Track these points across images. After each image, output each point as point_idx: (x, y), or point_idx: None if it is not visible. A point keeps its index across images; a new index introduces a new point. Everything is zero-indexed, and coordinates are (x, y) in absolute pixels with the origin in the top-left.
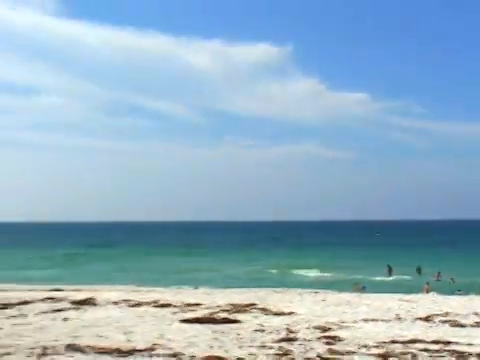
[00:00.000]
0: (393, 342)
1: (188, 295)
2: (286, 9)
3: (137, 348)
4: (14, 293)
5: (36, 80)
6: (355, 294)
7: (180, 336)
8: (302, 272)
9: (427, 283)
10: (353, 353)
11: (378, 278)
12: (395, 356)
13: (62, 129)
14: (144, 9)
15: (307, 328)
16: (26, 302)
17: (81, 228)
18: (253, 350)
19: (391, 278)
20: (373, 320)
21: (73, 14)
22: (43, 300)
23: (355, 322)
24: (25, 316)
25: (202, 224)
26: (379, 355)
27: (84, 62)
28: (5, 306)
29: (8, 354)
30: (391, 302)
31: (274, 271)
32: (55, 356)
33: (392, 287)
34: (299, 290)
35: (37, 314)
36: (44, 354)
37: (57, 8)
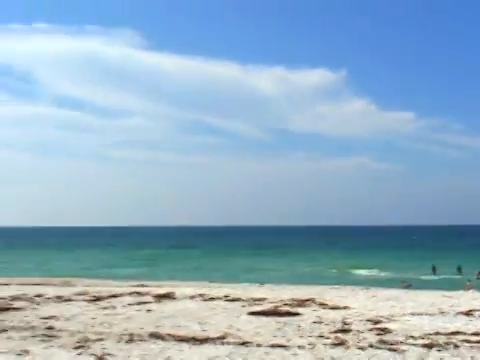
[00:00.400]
0: (437, 334)
1: (255, 291)
2: (340, 38)
3: (210, 336)
4: (105, 288)
5: (124, 104)
6: (403, 291)
7: (248, 326)
8: (356, 271)
9: (469, 281)
10: (401, 343)
11: (423, 277)
12: (439, 346)
13: (145, 145)
14: (216, 41)
15: (360, 321)
16: (115, 296)
17: (160, 232)
18: (312, 340)
19: (435, 277)
20: (419, 314)
21: (155, 47)
22: (130, 294)
23: (403, 316)
24: (114, 308)
25: (266, 228)
26: (424, 345)
27: (164, 88)
28: (98, 299)
29: (101, 340)
30: (435, 298)
31: (334, 270)
32: (140, 342)
33: (436, 284)
34: (353, 287)
35: (124, 306)
36: (131, 340)
37: (142, 42)
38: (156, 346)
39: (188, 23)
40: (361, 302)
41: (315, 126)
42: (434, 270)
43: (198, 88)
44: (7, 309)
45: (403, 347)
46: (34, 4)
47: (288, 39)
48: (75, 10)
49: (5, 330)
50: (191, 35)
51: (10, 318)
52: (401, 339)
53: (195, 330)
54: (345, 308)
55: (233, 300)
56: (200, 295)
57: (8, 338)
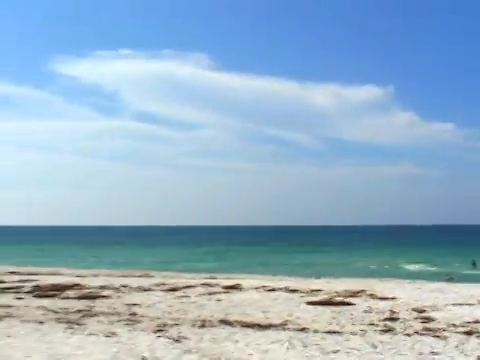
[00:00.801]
0: (476, 322)
1: (312, 283)
2: (389, 56)
3: (273, 323)
4: (180, 280)
5: (195, 118)
6: (445, 283)
7: (306, 315)
8: (403, 266)
9: None
10: (443, 330)
11: (465, 271)
12: (478, 333)
13: (215, 154)
14: (277, 62)
15: (406, 310)
16: (189, 286)
17: (226, 230)
18: (363, 327)
19: (476, 271)
20: (460, 304)
21: (222, 68)
22: (202, 285)
23: (445, 306)
24: (189, 297)
25: (321, 227)
26: (464, 332)
27: (230, 103)
28: (174, 289)
29: (177, 325)
30: (475, 290)
31: (383, 265)
32: (211, 327)
33: (476, 278)
34: (400, 280)
35: (197, 296)
36: (203, 326)
37: (211, 64)
38: (225, 331)
39: (252, 46)
40: (407, 293)
41: (365, 136)
42: (474, 265)
43: (261, 103)
44: (97, 297)
45: (445, 334)
46: (120, 34)
47: (341, 59)
48: (153, 37)
49: (96, 315)
50: (255, 57)
51: (99, 305)
52: (443, 327)
53: (259, 317)
54: (393, 299)
55: (293, 291)
56: (263, 287)
57: (98, 322)
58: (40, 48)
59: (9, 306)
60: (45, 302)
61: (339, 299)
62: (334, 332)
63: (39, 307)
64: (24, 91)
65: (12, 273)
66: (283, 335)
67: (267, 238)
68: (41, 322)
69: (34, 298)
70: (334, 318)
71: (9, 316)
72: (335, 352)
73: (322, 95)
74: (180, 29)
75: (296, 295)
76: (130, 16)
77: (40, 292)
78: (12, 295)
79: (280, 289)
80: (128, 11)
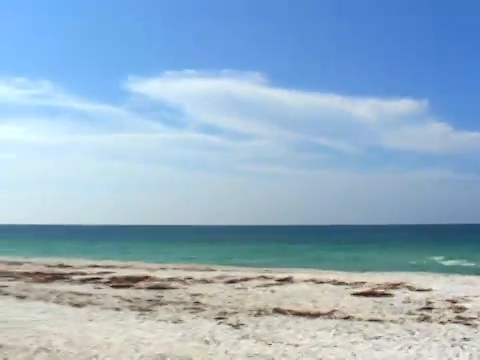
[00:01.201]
0: None
1: (357, 276)
2: (424, 71)
3: (321, 312)
4: (238, 273)
5: (251, 129)
6: (477, 277)
7: (350, 304)
8: (439, 261)
9: None
10: (475, 319)
11: None
12: None
13: (268, 161)
14: (324, 78)
15: (441, 300)
16: (246, 279)
17: (279, 230)
18: (402, 315)
19: None
20: None
21: (274, 84)
22: (257, 278)
23: (476, 297)
24: (246, 288)
25: (363, 226)
26: None
27: (282, 116)
28: (233, 281)
29: (236, 313)
30: None
31: (422, 260)
32: (266, 316)
33: None
34: (436, 274)
35: (253, 287)
36: (259, 314)
37: (264, 81)
38: (278, 319)
39: (301, 64)
40: (442, 286)
41: (402, 144)
42: None
43: (308, 115)
44: (165, 288)
45: (476, 322)
46: (184, 56)
47: (380, 75)
48: (213, 58)
49: (164, 303)
50: (303, 74)
51: (167, 295)
52: (475, 316)
53: (309, 307)
54: (429, 290)
55: (339, 283)
56: (313, 279)
57: (166, 309)
58: (116, 70)
59: (90, 294)
60: (120, 292)
61: (380, 290)
62: (376, 320)
63: (115, 296)
64: (102, 108)
65: (93, 266)
66: (330, 323)
67: (314, 236)
68: (117, 309)
69: (111, 288)
70: (376, 307)
71: (90, 303)
72: (377, 338)
73: (363, 108)
74: (237, 51)
75: (342, 287)
76: (193, 40)
77: (116, 283)
78: (92, 285)
79: (328, 281)
80: (191, 36)
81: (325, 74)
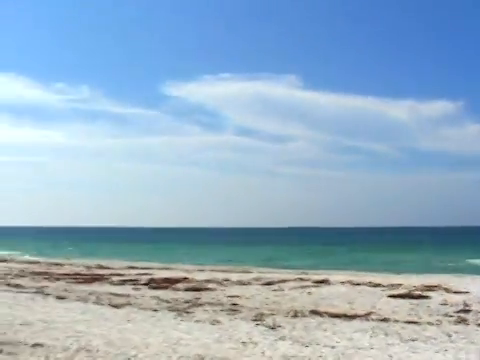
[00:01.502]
0: None
1: (393, 278)
2: (459, 73)
3: (358, 314)
4: (275, 275)
5: (287, 131)
6: None
7: (387, 306)
8: (476, 263)
9: None
10: None
11: None
12: None
13: (305, 164)
14: (359, 80)
15: (478, 303)
16: (283, 281)
17: (314, 231)
18: (439, 318)
19: None
20: None
21: (310, 87)
22: (294, 280)
23: None
24: (283, 290)
25: (398, 229)
26: None
27: (318, 118)
28: (270, 283)
29: (272, 314)
30: None
31: (459, 262)
32: (302, 317)
33: None
34: (473, 276)
35: (290, 289)
36: (295, 316)
37: (300, 84)
38: (315, 320)
39: (338, 67)
40: (479, 288)
41: (438, 146)
42: None
43: (344, 117)
44: (202, 289)
45: None
46: (221, 60)
47: (416, 77)
48: (250, 62)
49: (202, 305)
50: (340, 76)
51: (205, 296)
52: None
53: (345, 308)
54: (466, 293)
55: (375, 285)
56: (349, 281)
57: (204, 311)
58: (154, 74)
59: (128, 296)
60: (158, 293)
61: (417, 292)
62: (412, 322)
63: (153, 297)
64: (140, 111)
65: (131, 268)
66: (367, 324)
67: (349, 238)
68: (155, 310)
69: (149, 289)
70: (412, 310)
71: (129, 304)
72: (413, 340)
73: (399, 109)
74: (273, 54)
75: (378, 289)
76: (229, 44)
77: (154, 284)
78: (131, 286)
79: (364, 283)
80: (227, 40)
81: (360, 76)
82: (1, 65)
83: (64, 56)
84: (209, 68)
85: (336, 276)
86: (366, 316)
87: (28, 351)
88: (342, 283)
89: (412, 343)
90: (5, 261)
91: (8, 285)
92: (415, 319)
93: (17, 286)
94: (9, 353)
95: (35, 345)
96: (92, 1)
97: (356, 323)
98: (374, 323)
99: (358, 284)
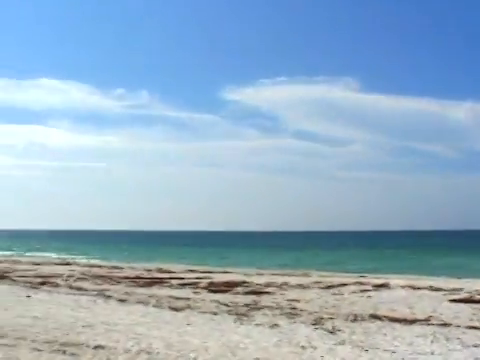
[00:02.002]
0: None
1: (454, 282)
2: None
3: (418, 318)
4: (335, 278)
5: (345, 134)
6: None
7: (448, 311)
8: None
9: None
10: None
11: None
12: None
13: (363, 167)
14: (417, 83)
15: None
16: (343, 285)
17: (376, 235)
18: None
19: None
20: None
21: (369, 90)
22: (354, 284)
23: None
24: (342, 294)
25: (456, 232)
26: None
27: (376, 121)
28: (329, 287)
29: (332, 318)
30: None
31: None
32: (362, 321)
33: None
34: None
35: (350, 293)
36: (355, 320)
37: (358, 86)
38: (375, 325)
39: (396, 69)
40: None
41: None
42: None
43: (403, 120)
44: (262, 293)
45: None
46: (277, 64)
47: (476, 76)
48: (306, 65)
49: (261, 308)
50: (398, 78)
51: (264, 299)
52: None
53: (405, 313)
54: None
55: (436, 290)
56: (409, 285)
57: (263, 314)
58: (210, 79)
59: (188, 299)
60: (218, 296)
61: (479, 297)
62: (474, 327)
63: (213, 300)
64: (198, 116)
65: (190, 271)
66: (427, 329)
67: (410, 241)
68: (215, 313)
69: (209, 293)
70: (474, 314)
71: (188, 308)
72: (476, 346)
73: (460, 111)
74: (329, 57)
75: (439, 293)
76: (286, 48)
77: (214, 287)
78: (190, 290)
79: (424, 288)
80: (284, 44)
81: (419, 78)
82: (61, 72)
83: (123, 62)
84: (266, 72)
85: (396, 280)
86: (426, 321)
87: (90, 353)
88: (402, 287)
89: (474, 349)
90: (68, 264)
91: (70, 288)
92: (477, 324)
93: (79, 289)
94: (72, 354)
95: (97, 347)
96: (148, 6)
97: (416, 328)
98: (435, 328)
99: (418, 288)
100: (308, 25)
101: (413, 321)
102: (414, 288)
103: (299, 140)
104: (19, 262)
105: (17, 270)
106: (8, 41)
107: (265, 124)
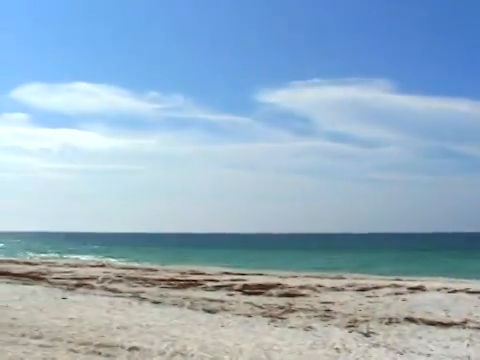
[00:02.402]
0: None
1: None
2: None
3: (454, 321)
4: (369, 281)
5: (379, 136)
6: None
7: None
8: None
9: None
10: None
11: None
12: None
13: (398, 169)
14: (452, 83)
15: None
16: (377, 287)
17: (410, 237)
18: None
19: None
20: None
21: (403, 91)
22: (389, 286)
23: None
24: (377, 296)
25: None
26: None
27: (410, 122)
28: (364, 289)
29: (366, 321)
30: None
31: None
32: (397, 324)
33: None
34: None
35: (384, 295)
36: (390, 322)
37: (392, 87)
38: (409, 328)
39: (430, 69)
40: None
41: None
42: None
43: (438, 121)
44: (296, 295)
45: None
46: (310, 65)
47: None
48: (340, 66)
49: (295, 311)
50: (432, 79)
51: (298, 302)
52: None
53: (441, 316)
54: None
55: (472, 293)
56: (445, 288)
57: (297, 317)
58: (244, 81)
59: (222, 301)
60: (252, 298)
61: None
62: None
63: (247, 303)
64: (231, 118)
65: (225, 273)
66: (463, 332)
67: (446, 243)
68: (249, 316)
69: (243, 295)
70: None
71: (223, 310)
72: None
73: None
74: (363, 58)
75: (475, 296)
76: (318, 50)
77: (248, 290)
78: (225, 292)
79: (461, 290)
80: (317, 45)
81: (454, 78)
82: (94, 76)
83: (156, 65)
84: (298, 74)
85: (431, 282)
86: (463, 324)
87: (125, 354)
88: (438, 290)
89: None
90: (102, 266)
91: (106, 289)
92: None
93: (114, 291)
94: (107, 356)
95: (131, 349)
96: (181, 10)
97: (452, 331)
98: (471, 331)
99: (454, 291)
100: (340, 26)
101: (449, 324)
102: (450, 291)
103: (333, 142)
104: (55, 264)
105: (53, 272)
106: (41, 45)
107: (299, 126)
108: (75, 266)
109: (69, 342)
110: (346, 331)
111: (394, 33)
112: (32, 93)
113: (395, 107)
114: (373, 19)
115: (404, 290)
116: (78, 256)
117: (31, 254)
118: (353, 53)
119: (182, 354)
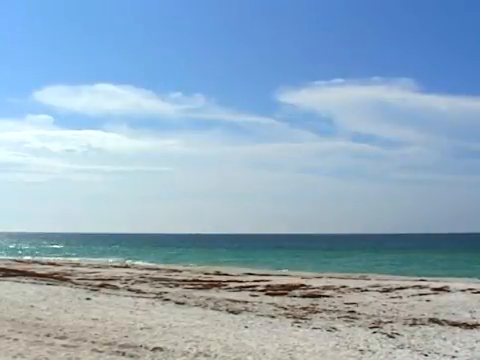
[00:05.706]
0: None
1: None
2: None
3: (479, 323)
4: (393, 282)
5: (404, 136)
6: None
7: None
8: None
9: None
10: None
11: None
12: None
13: (423, 169)
14: (474, 81)
15: None
16: (401, 288)
17: (437, 237)
18: None
19: None
20: None
21: (427, 90)
22: (413, 287)
23: None
24: (401, 297)
25: None
26: None
27: (435, 122)
28: (387, 290)
29: (390, 322)
30: None
31: None
32: (421, 325)
33: None
34: None
35: (408, 296)
36: (414, 324)
37: (415, 87)
38: (434, 329)
39: (454, 69)
40: None
41: None
42: None
43: (463, 120)
44: (319, 296)
45: None
46: (332, 65)
47: None
48: (362, 66)
49: (318, 312)
50: (457, 79)
51: (322, 303)
52: None
53: (466, 317)
54: None
55: None
56: (470, 289)
57: (321, 318)
58: (266, 82)
59: (246, 302)
60: (275, 299)
61: None
62: None
63: (270, 303)
64: (253, 119)
65: (248, 274)
66: None
67: (473, 244)
68: (272, 316)
69: (266, 296)
70: None
71: (246, 310)
72: None
73: None
74: (386, 58)
75: None
76: (340, 49)
77: (271, 291)
78: (248, 293)
79: None
80: (339, 45)
81: (476, 77)
82: (117, 77)
83: (179, 66)
84: (321, 74)
85: (456, 283)
86: None
87: (148, 355)
88: (462, 291)
89: None
90: (126, 267)
91: (129, 290)
92: None
93: (138, 291)
94: (131, 356)
95: (155, 349)
96: (204, 11)
97: (477, 333)
98: None
99: (479, 292)
100: (363, 26)
101: (474, 326)
102: (475, 292)
103: (356, 142)
104: (79, 265)
105: (77, 273)
106: (65, 48)
107: (321, 126)
108: (99, 267)
109: (93, 342)
110: (370, 332)
111: (418, 32)
112: (55, 95)
113: (420, 107)
114: (397, 20)
115: (428, 291)
116: (102, 256)
117: (56, 255)
118: (376, 53)
119: (205, 355)
